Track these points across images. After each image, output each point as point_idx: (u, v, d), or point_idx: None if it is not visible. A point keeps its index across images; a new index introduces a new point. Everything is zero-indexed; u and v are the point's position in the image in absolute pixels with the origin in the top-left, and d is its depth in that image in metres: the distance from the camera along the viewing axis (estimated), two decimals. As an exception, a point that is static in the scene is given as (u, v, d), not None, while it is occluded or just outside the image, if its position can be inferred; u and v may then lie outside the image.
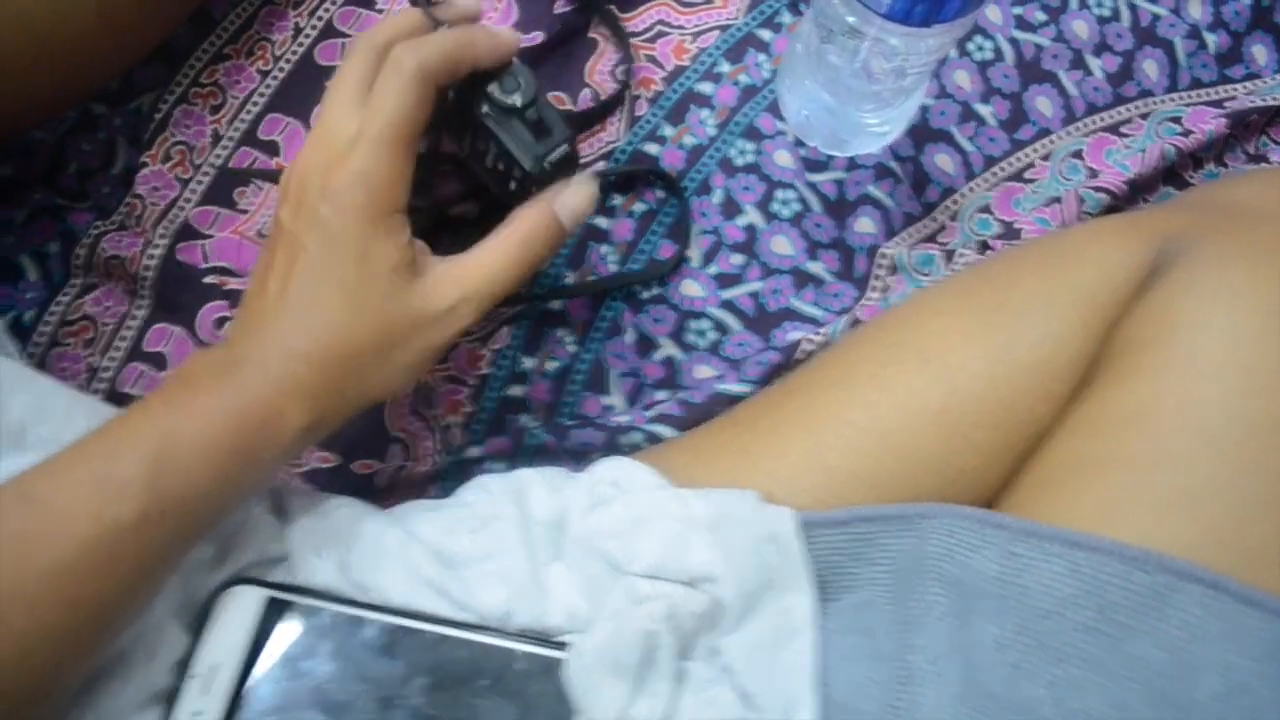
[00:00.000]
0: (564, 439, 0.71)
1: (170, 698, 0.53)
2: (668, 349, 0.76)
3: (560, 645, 0.56)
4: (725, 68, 0.82)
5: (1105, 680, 0.49)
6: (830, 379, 0.60)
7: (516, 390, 0.74)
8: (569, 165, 0.60)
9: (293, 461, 0.71)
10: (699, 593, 0.55)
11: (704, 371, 0.75)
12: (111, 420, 0.49)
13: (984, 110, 0.82)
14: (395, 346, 0.55)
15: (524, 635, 0.57)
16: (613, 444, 0.71)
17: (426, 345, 0.57)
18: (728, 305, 0.76)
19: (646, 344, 0.76)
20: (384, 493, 0.71)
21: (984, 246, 0.75)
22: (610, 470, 0.60)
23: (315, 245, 0.53)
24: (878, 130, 0.76)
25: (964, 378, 0.58)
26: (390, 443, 0.72)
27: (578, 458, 0.72)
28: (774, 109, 0.80)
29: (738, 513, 0.55)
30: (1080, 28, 0.85)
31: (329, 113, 0.55)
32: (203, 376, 0.51)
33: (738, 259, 0.77)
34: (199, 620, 0.56)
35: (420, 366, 0.58)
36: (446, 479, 0.72)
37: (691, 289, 0.77)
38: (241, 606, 0.56)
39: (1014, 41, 0.84)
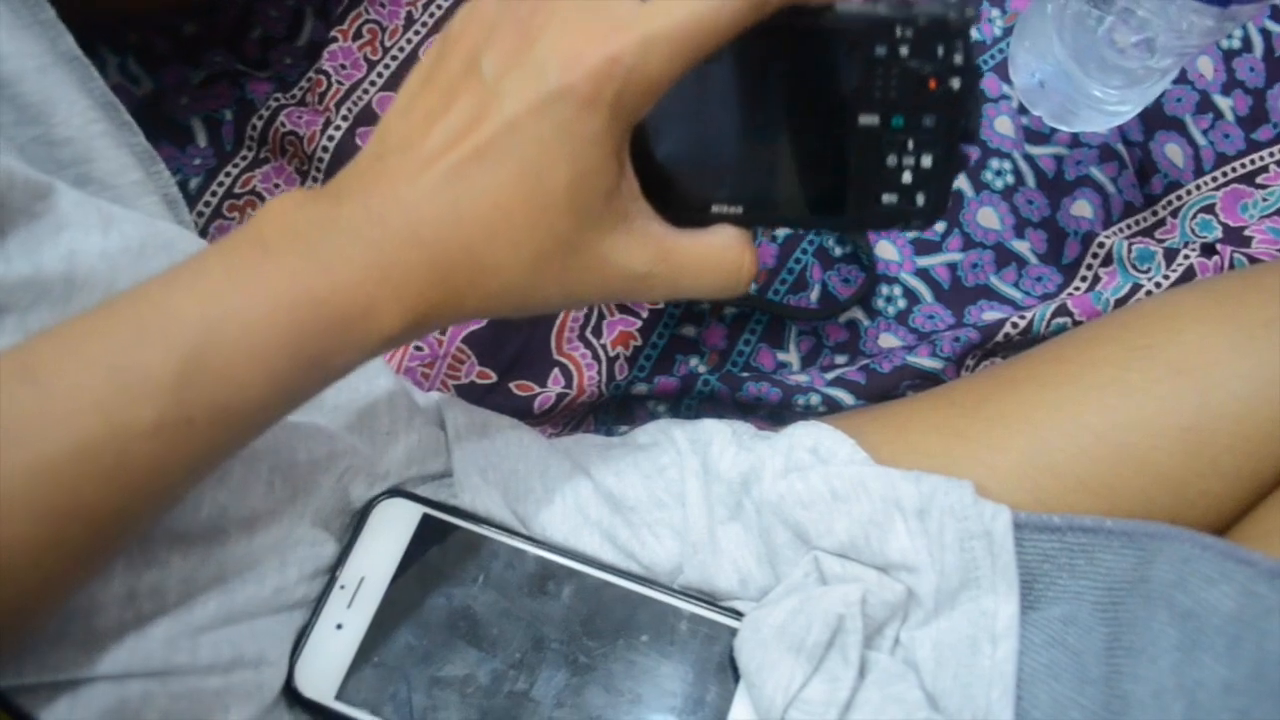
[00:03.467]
0: (737, 390, 0.67)
1: (311, 605, 0.51)
2: (853, 312, 0.72)
3: (733, 613, 0.53)
4: (955, 20, 0.76)
5: (1341, 744, 0.45)
6: (1066, 375, 0.56)
7: (689, 330, 0.71)
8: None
9: (449, 373, 0.68)
10: (894, 581, 0.52)
11: (889, 340, 0.71)
12: (157, 278, 0.39)
13: (1223, 103, 0.76)
14: (554, 281, 0.44)
15: (688, 594, 0.54)
16: (787, 403, 0.67)
17: (587, 297, 0.46)
18: (922, 273, 0.72)
19: (831, 303, 0.71)
20: (540, 418, 0.68)
21: (1209, 250, 0.70)
22: (808, 436, 0.56)
23: (523, 116, 0.41)
24: (1113, 109, 0.71)
25: (1221, 395, 0.53)
26: (553, 367, 0.69)
27: (747, 411, 0.68)
28: (1000, 70, 0.75)
29: (949, 503, 0.51)
30: (1339, 27, 0.79)
31: None
32: (282, 235, 0.40)
33: (939, 225, 0.73)
34: (351, 529, 0.53)
35: (561, 309, 0.51)
36: (606, 412, 0.69)
37: (886, 251, 0.72)
38: (395, 520, 0.54)
39: (1265, 33, 0.78)
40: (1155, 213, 0.74)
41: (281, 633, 0.49)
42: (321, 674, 0.50)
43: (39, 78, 0.51)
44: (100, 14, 0.70)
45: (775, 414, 0.68)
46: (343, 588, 0.52)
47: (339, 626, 0.51)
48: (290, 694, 0.49)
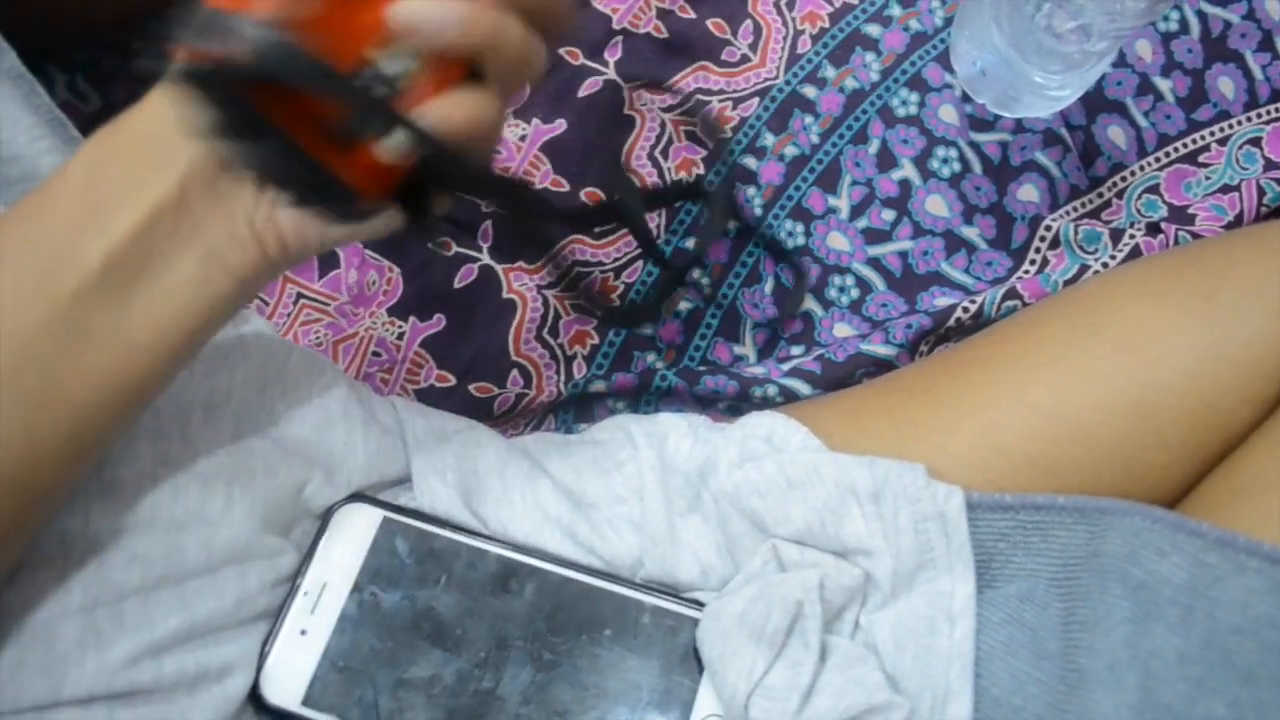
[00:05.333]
0: (694, 384, 0.68)
1: (274, 614, 0.51)
2: (806, 303, 0.72)
3: (695, 604, 0.53)
4: (896, 10, 0.77)
5: (1295, 708, 0.46)
6: (1012, 355, 0.57)
7: (646, 327, 0.71)
8: None
9: (408, 378, 0.68)
10: (851, 565, 0.52)
11: (843, 330, 0.71)
12: None
13: (1163, 85, 0.78)
14: None
15: (651, 587, 0.54)
16: (744, 395, 0.67)
17: None
18: (874, 262, 0.73)
19: (785, 295, 0.72)
20: (500, 419, 0.69)
21: (1154, 229, 0.71)
22: (763, 425, 0.56)
23: None
24: (1054, 94, 0.72)
25: (1165, 370, 0.54)
26: (511, 368, 0.69)
27: (705, 404, 0.68)
28: (943, 60, 0.76)
29: (902, 486, 0.52)
30: (1274, 7, 0.80)
31: None
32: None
33: (888, 215, 0.73)
34: (312, 537, 0.53)
35: None
36: (566, 411, 0.69)
37: (837, 242, 0.73)
38: (356, 525, 0.54)
39: (1201, 15, 0.79)
40: (1101, 194, 0.75)
41: (245, 644, 0.49)
42: (287, 680, 0.50)
43: None
44: (47, 32, 0.70)
45: (733, 406, 0.68)
46: (305, 594, 0.52)
47: (303, 632, 0.51)
48: (256, 701, 0.49)
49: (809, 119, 0.75)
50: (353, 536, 0.53)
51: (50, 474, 0.41)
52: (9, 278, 0.39)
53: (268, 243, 0.42)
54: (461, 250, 0.71)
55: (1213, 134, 0.77)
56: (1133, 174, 0.76)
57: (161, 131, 0.41)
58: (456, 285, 0.70)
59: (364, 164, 0.42)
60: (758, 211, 0.73)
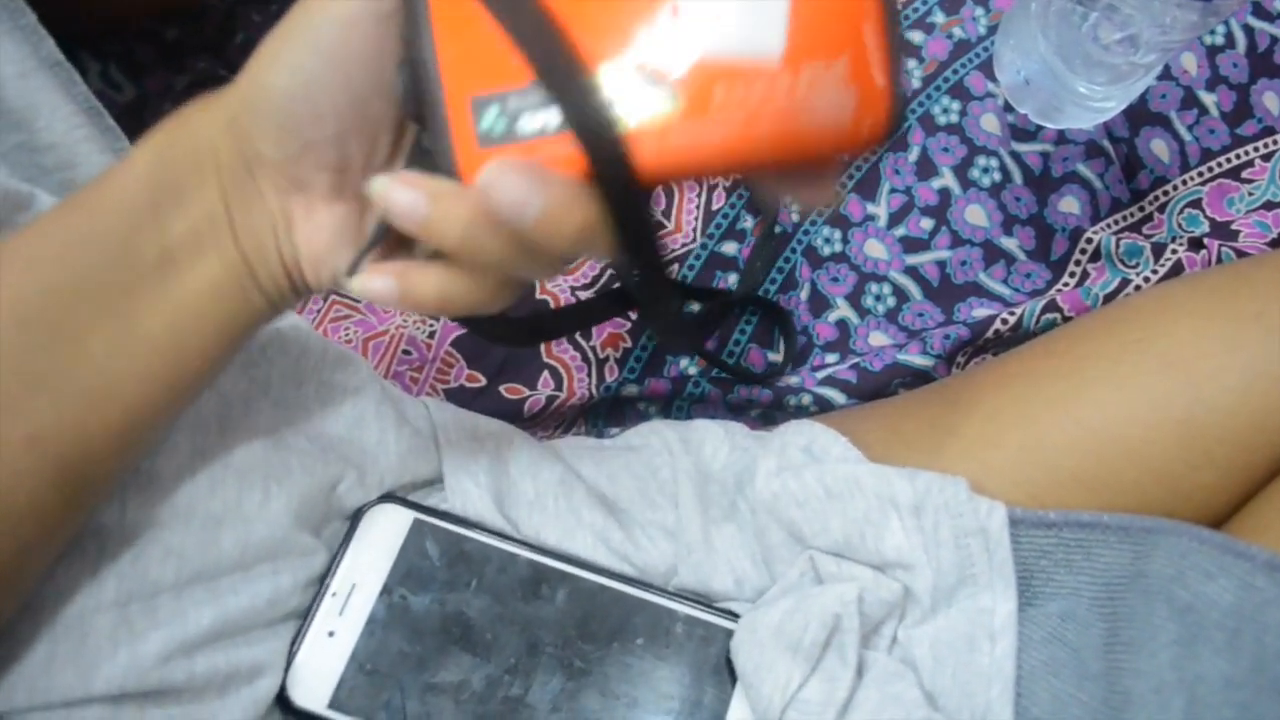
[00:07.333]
0: (728, 391, 0.67)
1: (304, 614, 0.51)
2: (842, 310, 0.71)
3: (729, 614, 0.53)
4: (939, 18, 0.76)
5: (1343, 736, 0.45)
6: (1058, 370, 0.56)
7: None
8: None
9: (438, 377, 0.68)
10: (890, 579, 0.51)
11: (879, 339, 0.71)
12: None
13: (1208, 99, 0.77)
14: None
15: (684, 596, 0.53)
16: (778, 403, 0.67)
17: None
18: (911, 271, 0.72)
19: (820, 302, 0.71)
20: (531, 421, 0.68)
21: (1196, 244, 0.70)
22: (802, 435, 0.56)
23: None
24: (1098, 105, 0.71)
25: (1213, 389, 0.53)
26: (542, 369, 0.68)
27: (738, 412, 0.68)
28: (986, 69, 0.75)
29: (944, 500, 0.51)
30: (1321, 23, 0.79)
31: None
32: None
33: (927, 223, 0.73)
34: (342, 537, 0.53)
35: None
36: (597, 414, 0.69)
37: (875, 250, 0.72)
38: (387, 527, 0.53)
39: (1248, 29, 0.78)
40: (1142, 208, 0.75)
41: (276, 644, 0.49)
42: (314, 682, 0.50)
43: (20, 84, 0.50)
44: (82, 20, 0.69)
45: (767, 414, 0.68)
46: (334, 595, 0.51)
47: (331, 634, 0.50)
48: (283, 703, 0.49)
49: (848, 125, 0.74)
50: (383, 537, 0.53)
51: (99, 471, 0.40)
52: (70, 272, 0.39)
53: (291, 269, 0.42)
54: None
55: (1256, 149, 0.76)
56: (1175, 188, 0.75)
57: (211, 140, 0.40)
58: (489, 285, 0.69)
59: None
60: (794, 218, 0.72)
